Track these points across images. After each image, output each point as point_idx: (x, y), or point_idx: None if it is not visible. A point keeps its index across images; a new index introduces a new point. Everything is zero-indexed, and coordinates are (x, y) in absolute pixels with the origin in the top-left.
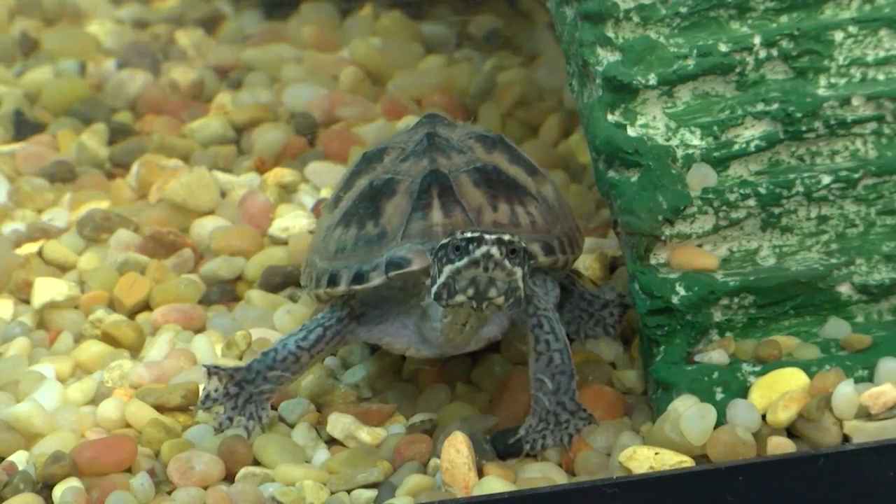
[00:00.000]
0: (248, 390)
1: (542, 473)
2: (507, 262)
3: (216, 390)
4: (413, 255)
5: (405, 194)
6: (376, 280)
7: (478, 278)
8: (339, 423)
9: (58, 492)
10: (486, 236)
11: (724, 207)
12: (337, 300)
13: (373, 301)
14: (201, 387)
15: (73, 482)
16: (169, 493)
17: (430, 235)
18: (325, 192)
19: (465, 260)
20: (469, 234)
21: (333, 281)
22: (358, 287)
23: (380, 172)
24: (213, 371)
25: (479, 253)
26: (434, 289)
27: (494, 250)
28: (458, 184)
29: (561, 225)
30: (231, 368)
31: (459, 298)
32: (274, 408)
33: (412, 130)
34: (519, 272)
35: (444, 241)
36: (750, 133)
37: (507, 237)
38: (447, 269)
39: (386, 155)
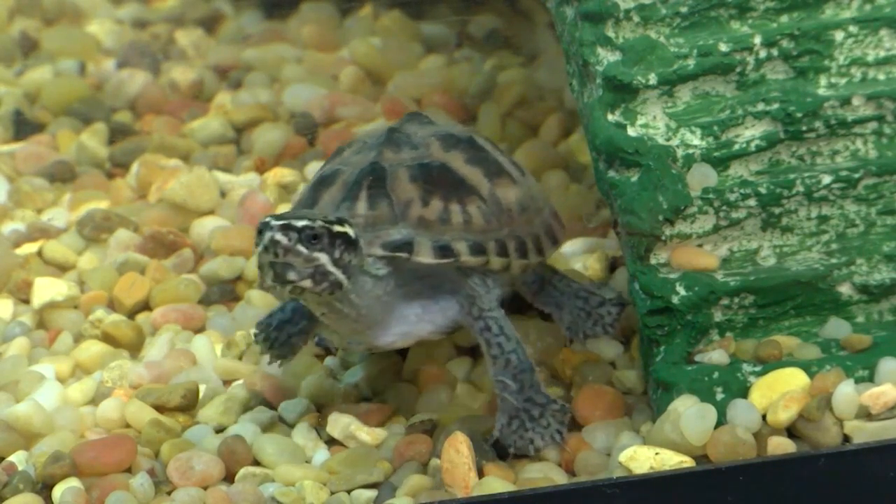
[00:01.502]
0: (288, 330)
1: (542, 473)
2: (300, 248)
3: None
4: None
5: (341, 185)
6: None
7: (274, 263)
8: (339, 423)
9: (57, 492)
10: (273, 222)
11: (724, 207)
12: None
13: None
14: (202, 387)
15: (73, 482)
16: (169, 493)
17: (352, 226)
18: None
19: (260, 246)
20: (266, 220)
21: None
22: None
23: (335, 164)
24: (258, 334)
25: (266, 239)
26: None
27: (279, 236)
28: (394, 177)
29: (515, 229)
30: (268, 317)
31: (268, 282)
32: (274, 408)
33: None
34: (324, 257)
35: None
36: (750, 133)
37: (300, 223)
38: (256, 254)
39: (349, 148)
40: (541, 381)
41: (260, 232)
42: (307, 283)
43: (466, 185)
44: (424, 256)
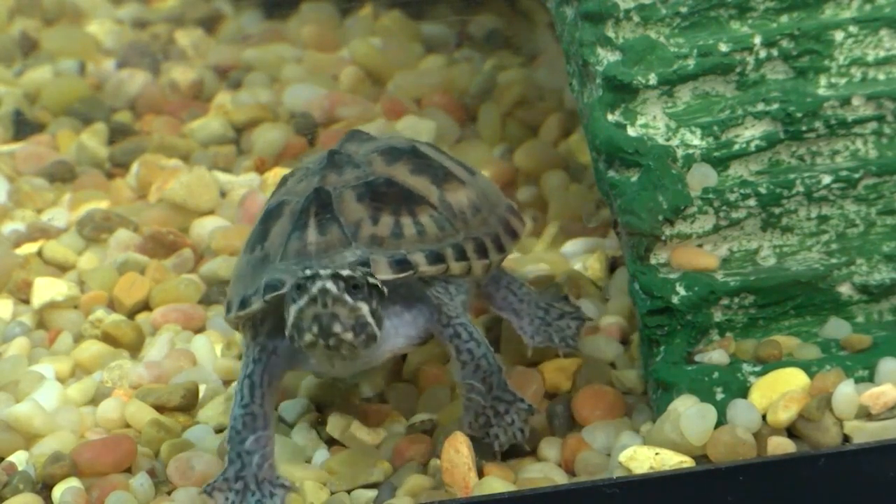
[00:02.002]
0: (249, 474)
1: (542, 473)
2: (347, 297)
3: (227, 499)
4: (287, 276)
5: (289, 215)
6: (256, 304)
7: (320, 315)
8: (339, 423)
9: (57, 492)
10: (322, 272)
11: (724, 207)
12: (248, 342)
13: (280, 332)
14: (202, 387)
15: (73, 482)
16: (169, 493)
17: (304, 254)
18: None
19: (305, 298)
20: (308, 273)
21: (229, 308)
22: (242, 313)
23: (280, 195)
24: (209, 489)
25: (315, 289)
26: (287, 331)
27: (330, 285)
28: (341, 200)
29: (471, 231)
30: (220, 475)
31: (308, 338)
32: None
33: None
34: (364, 307)
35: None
36: (750, 133)
37: (345, 272)
38: (292, 310)
39: (292, 177)
40: (507, 379)
41: (300, 286)
42: (349, 336)
43: (415, 196)
44: (383, 273)
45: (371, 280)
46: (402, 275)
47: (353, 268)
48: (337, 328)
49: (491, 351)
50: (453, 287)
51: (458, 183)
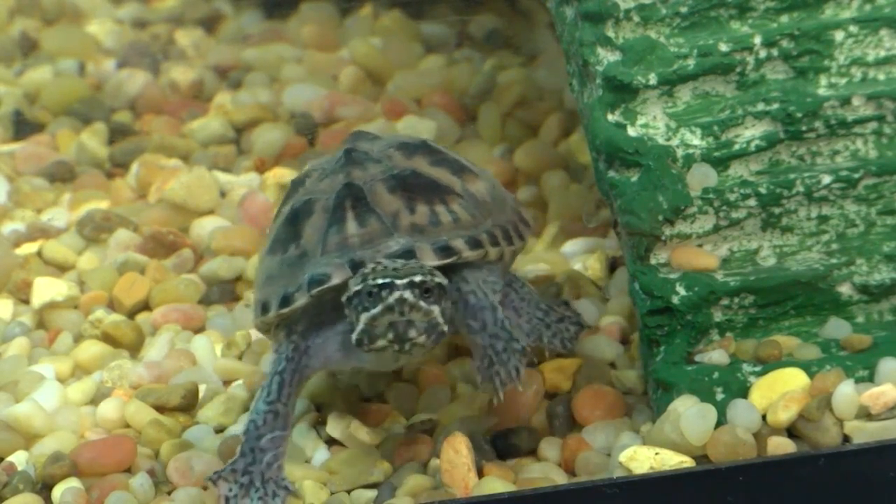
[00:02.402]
0: (257, 470)
1: (543, 473)
2: (422, 303)
3: (230, 490)
4: (332, 269)
5: (321, 212)
6: (301, 300)
7: (396, 323)
8: (339, 423)
9: (57, 492)
10: (397, 281)
11: (724, 207)
12: (281, 339)
13: (312, 331)
14: (202, 387)
15: (73, 482)
16: (169, 493)
17: (346, 247)
18: None
19: (380, 307)
20: (381, 281)
21: (265, 308)
22: (286, 310)
23: (301, 195)
24: (215, 477)
25: (392, 299)
26: (354, 336)
27: (408, 294)
28: (373, 193)
29: (494, 219)
30: (229, 464)
31: (381, 343)
32: None
33: (337, 150)
34: (436, 309)
35: (357, 287)
36: (750, 133)
37: (418, 278)
38: (364, 317)
39: (308, 178)
40: (505, 318)
41: (371, 294)
42: (422, 339)
43: (442, 186)
44: (428, 259)
45: (437, 280)
46: (446, 260)
47: (423, 271)
48: (412, 333)
49: (482, 290)
50: (485, 270)
51: (472, 175)
